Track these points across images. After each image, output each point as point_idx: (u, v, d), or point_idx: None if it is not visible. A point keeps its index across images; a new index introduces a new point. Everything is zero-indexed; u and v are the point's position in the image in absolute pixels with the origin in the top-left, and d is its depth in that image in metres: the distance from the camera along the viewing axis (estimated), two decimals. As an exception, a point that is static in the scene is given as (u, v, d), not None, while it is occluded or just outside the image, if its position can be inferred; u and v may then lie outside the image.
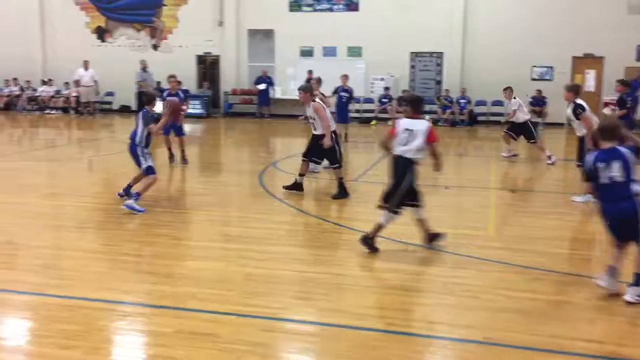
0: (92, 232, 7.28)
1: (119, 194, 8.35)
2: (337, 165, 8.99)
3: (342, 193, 8.90)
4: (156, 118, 8.35)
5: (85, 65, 21.49)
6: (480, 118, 20.56)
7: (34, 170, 11.36)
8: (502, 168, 12.29)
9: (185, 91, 13.45)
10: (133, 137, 8.13)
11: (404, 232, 6.99)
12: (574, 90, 8.90)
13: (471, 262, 6.01)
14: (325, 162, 9.58)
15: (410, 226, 7.33)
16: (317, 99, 9.08)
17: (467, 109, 20.27)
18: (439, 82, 21.21)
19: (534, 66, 20.25)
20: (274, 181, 10.33)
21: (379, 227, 6.20)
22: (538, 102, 19.70)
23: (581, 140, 8.63)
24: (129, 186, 8.22)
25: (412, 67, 21.34)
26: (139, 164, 8.14)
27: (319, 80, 10.90)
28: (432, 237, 6.41)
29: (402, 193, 6.11)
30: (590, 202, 8.69)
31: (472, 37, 20.48)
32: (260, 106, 21.64)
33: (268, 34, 22.29)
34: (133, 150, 8.13)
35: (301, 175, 9.09)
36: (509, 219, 8.05)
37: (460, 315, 4.78)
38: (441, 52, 20.95)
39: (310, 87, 9.31)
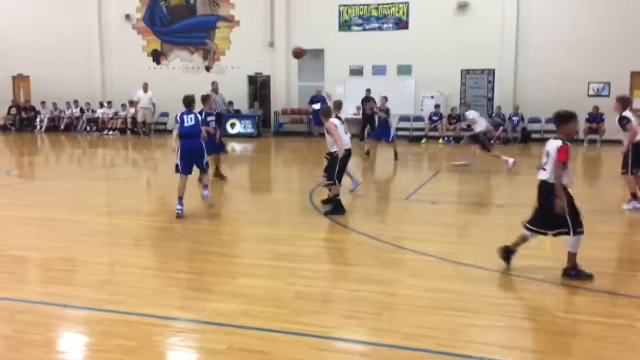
0: (147, 249, 7.45)
1: (206, 195, 9.21)
2: (332, 182, 9.01)
3: (336, 210, 8.98)
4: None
5: (145, 87, 22.13)
6: (535, 135, 20.15)
7: (93, 189, 11.75)
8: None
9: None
10: (199, 135, 8.92)
11: (456, 251, 6.90)
12: (623, 102, 9.29)
13: (526, 283, 5.86)
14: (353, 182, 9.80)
15: (462, 245, 7.24)
16: (330, 119, 9.14)
17: (520, 127, 19.91)
18: (490, 99, 20.93)
19: (591, 82, 19.74)
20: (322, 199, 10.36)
21: (572, 256, 5.95)
22: (595, 119, 19.18)
23: (628, 150, 9.07)
24: (206, 186, 9.23)
25: (463, 84, 21.14)
26: (202, 160, 8.94)
27: (338, 105, 10.94)
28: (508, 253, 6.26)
29: (571, 215, 5.81)
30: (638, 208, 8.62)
31: (525, 53, 20.18)
32: (314, 125, 21.75)
33: (318, 53, 22.54)
34: (202, 150, 8.94)
35: (336, 196, 9.12)
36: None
37: (515, 337, 4.66)
38: (492, 69, 20.69)
39: (325, 109, 9.56)
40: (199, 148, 8.92)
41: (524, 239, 6.20)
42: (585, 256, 6.79)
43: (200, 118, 9.05)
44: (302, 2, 22.49)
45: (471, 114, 13.45)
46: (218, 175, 11.95)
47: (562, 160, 5.72)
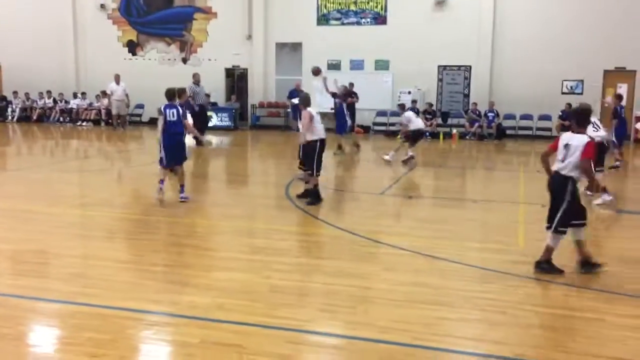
0: (121, 241, 7.38)
1: (183, 197, 9.18)
2: (310, 172, 9.30)
3: (315, 199, 9.25)
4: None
5: (117, 79, 21.57)
6: (509, 132, 20.38)
7: (66, 181, 11.59)
8: (531, 182, 12.14)
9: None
10: (182, 131, 9.09)
11: (431, 246, 6.96)
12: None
13: (498, 277, 5.94)
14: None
15: (437, 240, 7.30)
16: (308, 109, 9.32)
17: (495, 123, 20.11)
18: (466, 96, 21.10)
19: (565, 80, 20.00)
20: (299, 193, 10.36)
21: (549, 250, 6.00)
22: (568, 117, 19.43)
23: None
24: (182, 187, 9.22)
25: (440, 80, 21.28)
26: (184, 155, 9.19)
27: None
28: (587, 264, 6.07)
29: (564, 213, 5.87)
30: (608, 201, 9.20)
31: (501, 50, 20.36)
32: (292, 120, 21.26)
33: (295, 47, 22.48)
34: (184, 144, 9.22)
35: (315, 186, 9.35)
36: (537, 234, 7.94)
37: (488, 330, 4.72)
38: (469, 65, 20.86)
39: (305, 99, 9.60)
40: (182, 142, 9.17)
41: (580, 243, 6.10)
42: (557, 251, 6.90)
43: (182, 112, 9.07)
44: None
45: (408, 114, 13.93)
46: None
47: (591, 157, 5.87)
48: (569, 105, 18.94)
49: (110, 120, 22.53)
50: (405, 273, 6.06)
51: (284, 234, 7.69)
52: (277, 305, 5.14)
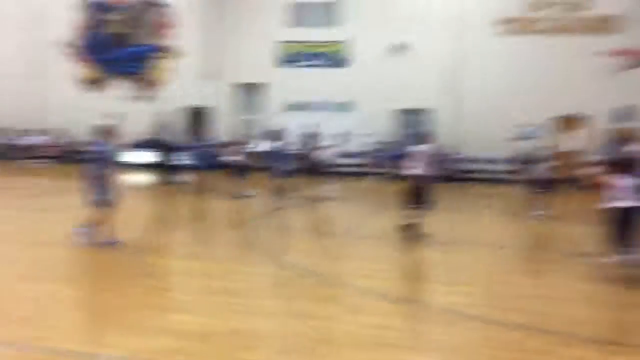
0: (74, 281, 7.13)
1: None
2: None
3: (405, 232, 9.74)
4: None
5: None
6: (473, 175, 20.61)
7: (15, 219, 11.21)
8: (494, 225, 12.29)
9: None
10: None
11: (396, 288, 6.92)
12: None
13: (460, 320, 5.92)
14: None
15: (401, 281, 7.28)
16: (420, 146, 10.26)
17: (457, 166, 20.33)
18: (428, 138, 21.38)
19: (522, 124, 20.45)
20: (258, 233, 10.26)
21: None
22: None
23: None
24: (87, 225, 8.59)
25: (402, 122, 21.63)
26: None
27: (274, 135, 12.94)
28: None
29: None
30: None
31: (462, 93, 20.88)
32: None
33: (256, 87, 22.71)
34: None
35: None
36: (497, 277, 8.00)
37: (450, 373, 4.67)
38: (430, 108, 21.28)
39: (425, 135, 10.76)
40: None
41: None
42: (518, 294, 6.92)
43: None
44: (242, 36, 22.72)
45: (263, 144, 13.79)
46: None
47: None
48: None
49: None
50: (369, 315, 5.98)
51: (242, 274, 7.56)
52: (238, 347, 5.00)
